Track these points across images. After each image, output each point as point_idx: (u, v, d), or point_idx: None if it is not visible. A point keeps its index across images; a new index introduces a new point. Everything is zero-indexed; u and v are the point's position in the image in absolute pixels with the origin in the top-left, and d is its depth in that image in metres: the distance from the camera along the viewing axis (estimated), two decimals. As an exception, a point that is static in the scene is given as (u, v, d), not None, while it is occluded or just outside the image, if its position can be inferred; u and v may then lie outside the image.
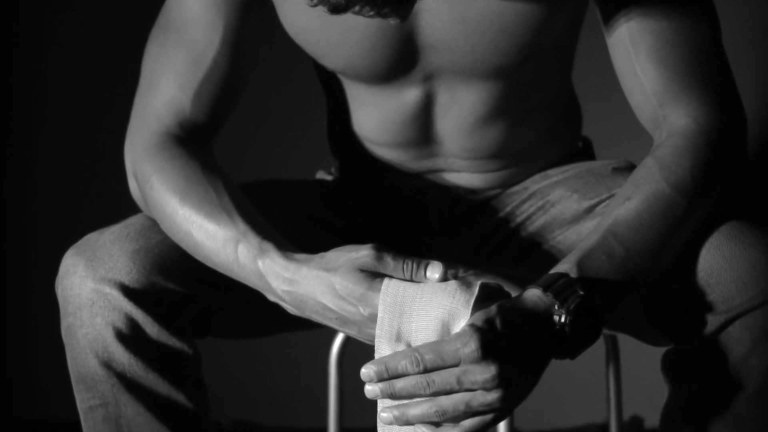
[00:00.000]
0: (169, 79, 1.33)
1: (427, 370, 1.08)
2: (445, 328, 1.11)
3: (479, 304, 1.11)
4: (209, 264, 1.26)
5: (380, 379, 1.10)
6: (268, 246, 1.21)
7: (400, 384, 1.09)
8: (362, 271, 1.15)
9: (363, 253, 1.16)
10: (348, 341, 1.63)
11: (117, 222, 1.33)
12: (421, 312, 1.12)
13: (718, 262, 1.19)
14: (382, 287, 1.14)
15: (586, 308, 1.11)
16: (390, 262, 1.15)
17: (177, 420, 1.29)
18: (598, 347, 1.75)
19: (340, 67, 1.36)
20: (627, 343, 1.57)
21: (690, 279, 1.20)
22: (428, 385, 1.08)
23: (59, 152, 2.37)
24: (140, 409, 1.27)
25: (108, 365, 1.26)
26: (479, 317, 1.08)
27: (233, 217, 1.24)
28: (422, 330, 1.11)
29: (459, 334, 1.08)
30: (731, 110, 1.27)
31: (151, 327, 1.27)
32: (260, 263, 1.21)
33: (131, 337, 1.26)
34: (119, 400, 1.27)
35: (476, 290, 1.12)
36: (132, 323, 1.26)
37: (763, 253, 1.18)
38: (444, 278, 1.14)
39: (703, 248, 1.21)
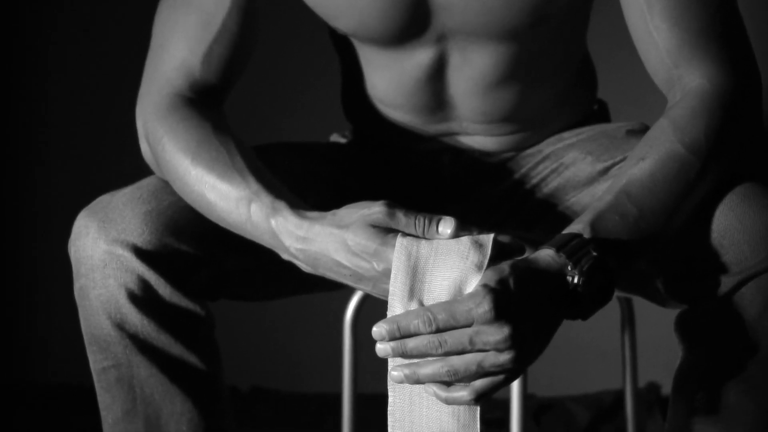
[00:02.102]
0: (180, 42, 1.33)
1: (439, 330, 1.07)
2: (458, 288, 1.10)
3: (492, 262, 1.10)
4: (222, 224, 1.26)
5: (392, 338, 1.09)
6: (281, 204, 1.21)
7: (411, 343, 1.09)
8: (374, 227, 1.15)
9: (375, 210, 1.15)
10: (362, 306, 1.63)
11: (129, 184, 1.33)
12: (435, 272, 1.12)
13: (731, 223, 1.18)
14: (396, 244, 1.13)
15: (599, 269, 1.10)
16: (402, 218, 1.15)
17: (190, 381, 1.29)
18: (614, 312, 1.75)
19: (352, 29, 1.35)
20: (644, 309, 1.56)
21: (703, 240, 1.19)
22: (440, 345, 1.08)
23: (72, 114, 2.37)
24: (153, 371, 1.28)
25: (121, 326, 1.26)
26: (492, 277, 1.08)
27: (245, 177, 1.24)
28: (435, 290, 1.11)
29: (472, 295, 1.07)
30: (746, 71, 1.26)
31: (163, 288, 1.27)
32: (273, 222, 1.21)
33: (144, 298, 1.26)
34: (132, 361, 1.27)
35: (489, 250, 1.11)
36: (144, 284, 1.26)
37: (778, 215, 1.18)
38: (456, 234, 1.14)
39: (716, 209, 1.20)
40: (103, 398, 1.30)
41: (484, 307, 1.06)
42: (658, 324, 1.74)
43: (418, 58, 1.37)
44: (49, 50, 2.36)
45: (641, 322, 1.80)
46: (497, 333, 1.06)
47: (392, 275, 1.13)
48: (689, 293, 1.22)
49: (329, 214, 1.19)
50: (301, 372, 2.39)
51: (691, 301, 1.23)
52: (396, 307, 1.12)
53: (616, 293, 1.41)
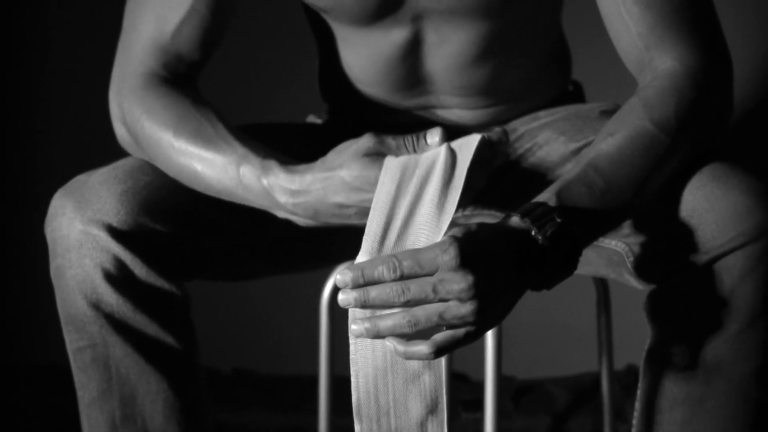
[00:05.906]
0: (150, 24, 1.33)
1: (403, 277, 1.05)
2: (440, 191, 1.11)
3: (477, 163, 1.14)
4: (212, 192, 1.26)
5: (356, 285, 1.06)
6: (271, 163, 1.22)
7: (374, 292, 1.06)
8: (367, 156, 1.16)
9: (364, 140, 1.18)
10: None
11: (106, 164, 1.33)
12: (417, 180, 1.13)
13: (699, 203, 1.19)
14: (384, 165, 1.14)
15: (563, 235, 1.10)
16: (392, 143, 1.17)
17: (165, 361, 1.30)
18: (593, 295, 1.76)
19: (329, 6, 1.35)
20: (625, 292, 1.57)
21: (672, 220, 1.20)
22: (403, 292, 1.05)
23: (50, 95, 2.37)
24: (128, 350, 1.28)
25: (96, 306, 1.27)
26: (460, 230, 1.07)
27: (230, 143, 1.25)
28: (416, 202, 1.12)
29: (438, 243, 1.06)
30: (717, 53, 1.26)
31: (139, 268, 1.27)
32: (264, 181, 1.22)
33: (119, 278, 1.27)
34: (108, 341, 1.28)
35: (475, 143, 1.14)
36: (120, 264, 1.26)
37: (745, 195, 1.18)
38: (444, 141, 1.17)
39: (685, 189, 1.21)
40: (79, 378, 1.30)
41: (450, 253, 1.04)
42: (638, 307, 1.74)
43: (394, 36, 1.38)
44: (42, 28, 2.36)
45: (622, 305, 1.80)
46: (461, 281, 1.04)
47: (377, 187, 1.12)
48: (658, 273, 1.23)
49: (318, 162, 1.20)
50: (281, 354, 2.40)
51: (660, 281, 1.24)
52: (374, 220, 1.11)
53: (591, 275, 1.42)
